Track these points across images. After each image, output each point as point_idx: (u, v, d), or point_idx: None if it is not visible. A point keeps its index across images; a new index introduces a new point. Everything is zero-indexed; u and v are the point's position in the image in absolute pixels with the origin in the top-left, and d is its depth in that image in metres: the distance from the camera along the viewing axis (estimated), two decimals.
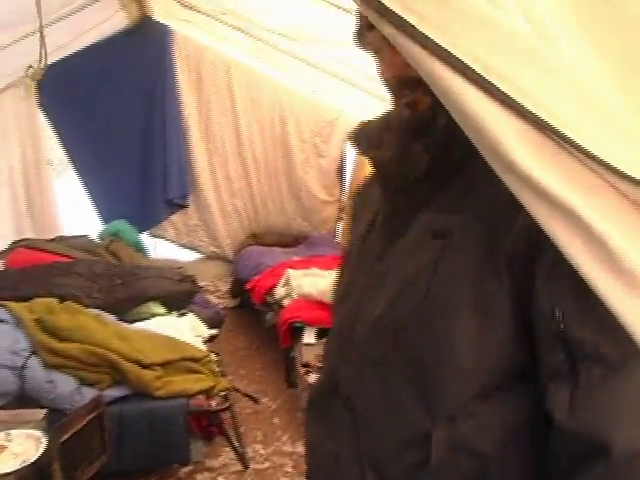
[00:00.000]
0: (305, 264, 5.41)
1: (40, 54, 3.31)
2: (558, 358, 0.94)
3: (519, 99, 0.81)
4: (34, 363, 3.25)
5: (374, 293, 1.17)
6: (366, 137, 1.28)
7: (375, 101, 4.83)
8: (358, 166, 6.42)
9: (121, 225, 5.74)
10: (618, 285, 0.81)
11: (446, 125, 1.06)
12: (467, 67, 0.81)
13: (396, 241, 1.17)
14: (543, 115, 0.80)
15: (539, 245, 0.94)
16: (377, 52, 1.14)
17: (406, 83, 1.11)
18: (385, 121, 1.25)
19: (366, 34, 1.14)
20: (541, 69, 0.82)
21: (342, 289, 1.32)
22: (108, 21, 5.33)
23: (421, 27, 0.82)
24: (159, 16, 5.82)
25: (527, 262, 0.97)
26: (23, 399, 3.17)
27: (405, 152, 1.15)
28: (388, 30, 0.84)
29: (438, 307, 1.06)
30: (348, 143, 6.58)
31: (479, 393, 1.02)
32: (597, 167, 0.80)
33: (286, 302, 4.85)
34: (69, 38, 5.04)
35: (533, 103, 0.81)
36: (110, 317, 3.83)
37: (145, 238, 6.20)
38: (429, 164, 1.12)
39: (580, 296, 0.86)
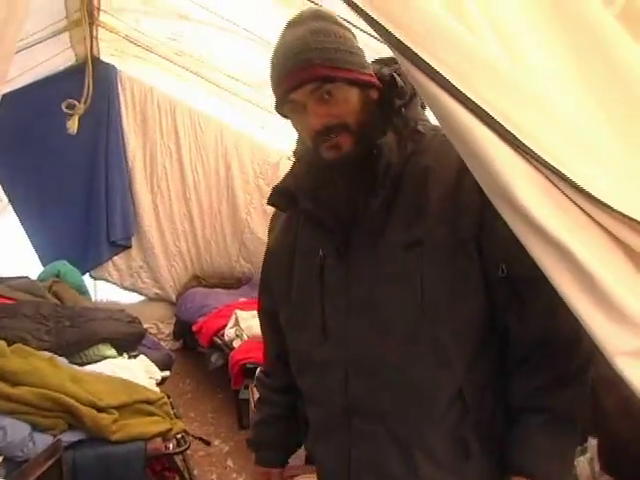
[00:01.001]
0: (253, 305, 5.37)
1: None
2: (505, 293, 1.34)
3: (526, 141, 0.91)
4: None
5: (359, 318, 1.40)
6: (298, 190, 1.47)
7: None
8: None
9: (62, 266, 5.59)
10: (599, 314, 0.94)
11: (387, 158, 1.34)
12: (485, 114, 0.90)
13: (351, 270, 1.41)
14: (543, 154, 0.91)
15: (482, 222, 1.30)
16: (302, 109, 1.34)
17: (331, 128, 1.32)
18: (309, 172, 1.46)
19: (288, 98, 1.34)
20: (540, 112, 0.93)
21: (314, 333, 1.48)
22: (55, 58, 5.26)
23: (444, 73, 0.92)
24: (107, 55, 5.78)
25: (480, 238, 1.32)
26: None
27: (355, 189, 1.38)
28: (414, 73, 0.94)
29: (434, 298, 1.33)
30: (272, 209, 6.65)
31: (479, 347, 1.38)
32: (585, 202, 0.91)
33: (236, 343, 4.82)
34: (14, 74, 4.95)
35: (536, 144, 0.91)
36: (62, 360, 3.72)
37: (86, 279, 6.06)
38: (382, 197, 1.35)
39: (513, 250, 1.09)
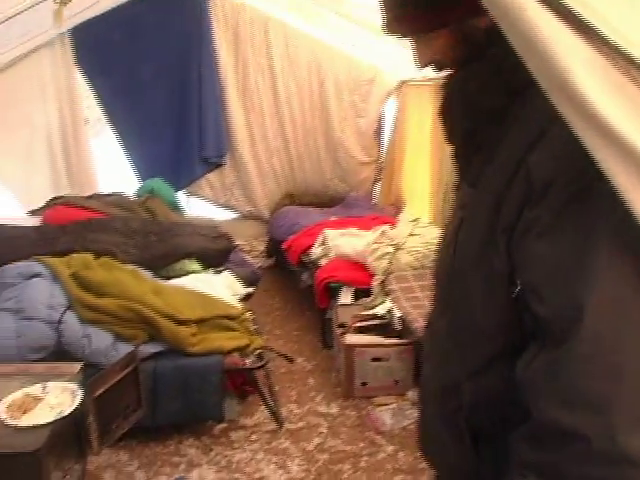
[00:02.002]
0: (342, 224, 5.34)
1: None
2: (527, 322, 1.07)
3: (592, 20, 0.75)
4: (70, 318, 3.25)
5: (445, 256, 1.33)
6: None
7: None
8: (397, 127, 6.31)
9: (157, 183, 5.70)
10: None
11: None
12: None
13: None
14: (613, 36, 0.76)
15: (520, 216, 1.03)
16: None
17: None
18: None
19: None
20: None
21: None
22: None
23: None
24: None
25: (514, 232, 1.06)
26: (60, 354, 3.18)
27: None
28: None
29: (458, 273, 1.24)
30: (386, 102, 6.48)
31: (500, 352, 1.15)
32: None
33: (322, 262, 4.80)
34: None
35: (604, 24, 0.76)
36: (146, 273, 3.81)
37: (181, 196, 6.17)
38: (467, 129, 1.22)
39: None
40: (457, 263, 1.24)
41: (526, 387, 1.03)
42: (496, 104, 1.14)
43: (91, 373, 2.71)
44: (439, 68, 1.22)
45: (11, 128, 5.47)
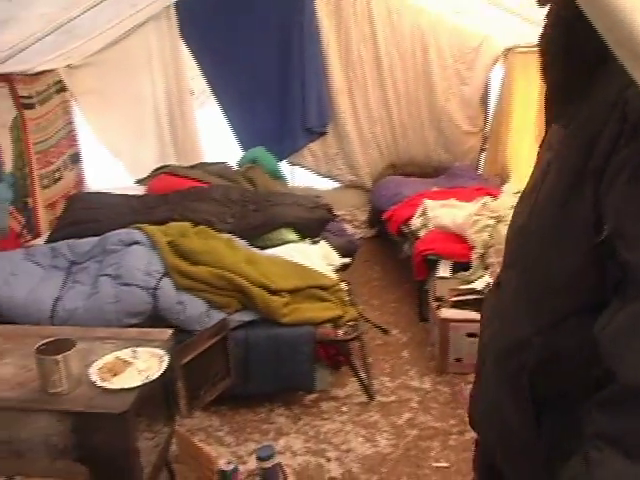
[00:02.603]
0: (444, 195, 5.21)
1: None
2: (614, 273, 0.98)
3: None
4: (166, 284, 3.33)
5: (525, 206, 1.27)
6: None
7: (524, 24, 4.48)
8: (503, 95, 6.09)
9: (260, 152, 5.76)
10: None
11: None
12: None
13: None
14: None
15: (612, 156, 0.98)
16: None
17: None
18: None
19: None
20: None
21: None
22: None
23: None
24: None
25: (604, 174, 1.00)
26: (156, 319, 3.28)
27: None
28: None
29: (538, 220, 1.18)
30: (492, 70, 6.25)
31: (577, 308, 1.08)
32: None
33: (422, 233, 4.71)
34: None
35: None
36: (241, 242, 3.86)
37: (283, 166, 6.20)
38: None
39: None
40: (538, 210, 1.18)
41: (606, 347, 0.96)
42: (601, 43, 1.05)
43: (185, 339, 2.78)
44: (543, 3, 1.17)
45: (121, 101, 5.66)
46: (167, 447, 2.53)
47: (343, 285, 3.81)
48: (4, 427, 2.12)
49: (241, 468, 2.88)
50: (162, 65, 5.83)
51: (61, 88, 5.40)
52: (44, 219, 4.97)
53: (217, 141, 6.72)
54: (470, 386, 3.59)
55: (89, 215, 4.23)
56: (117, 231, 3.69)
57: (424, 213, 4.88)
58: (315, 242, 4.27)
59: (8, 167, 4.42)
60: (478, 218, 4.38)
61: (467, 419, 3.30)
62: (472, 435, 3.24)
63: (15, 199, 4.53)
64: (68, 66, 5.24)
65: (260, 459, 2.76)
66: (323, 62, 6.16)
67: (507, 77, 6.02)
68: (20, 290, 3.33)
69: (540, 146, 1.33)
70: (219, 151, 6.42)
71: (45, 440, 2.10)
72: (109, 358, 2.30)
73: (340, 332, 3.47)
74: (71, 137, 5.65)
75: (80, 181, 5.82)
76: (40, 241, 4.39)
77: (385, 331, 4.33)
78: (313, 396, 3.62)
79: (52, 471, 2.29)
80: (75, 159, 5.72)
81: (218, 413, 3.43)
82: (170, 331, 2.61)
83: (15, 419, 2.11)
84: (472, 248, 4.27)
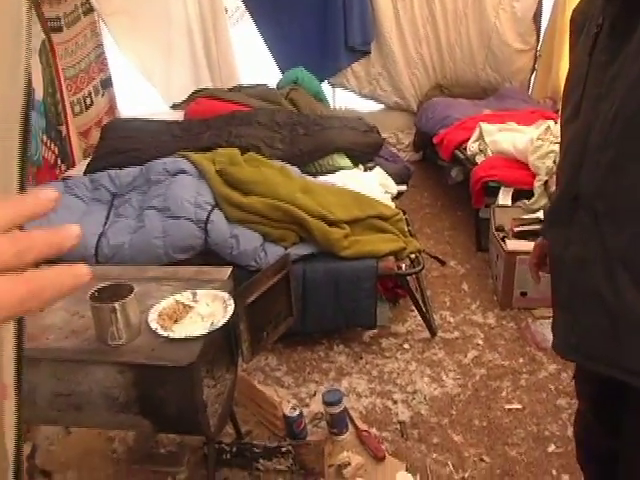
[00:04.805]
0: (498, 118, 4.87)
1: None
2: None
3: None
4: (218, 217, 3.10)
5: (605, 102, 1.27)
6: None
7: None
8: (557, 11, 5.65)
9: (300, 73, 5.42)
10: None
11: None
12: None
13: (623, 48, 1.22)
14: None
15: None
16: None
17: None
18: None
19: None
20: None
21: (571, 109, 1.43)
22: None
23: None
24: None
25: None
26: (207, 254, 3.07)
27: None
28: None
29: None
30: None
31: None
32: None
33: (479, 159, 4.41)
34: None
35: None
36: (294, 169, 3.59)
37: (324, 87, 5.85)
38: None
39: None
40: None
41: None
42: None
43: (239, 275, 2.57)
44: None
45: (151, 22, 5.41)
46: (231, 395, 2.35)
47: (402, 214, 3.55)
48: (61, 378, 1.94)
49: (304, 410, 2.71)
50: None
51: (88, 9, 5.14)
52: (78, 148, 4.76)
53: (253, 62, 6.38)
54: (539, 322, 3.37)
55: (128, 143, 3.98)
56: (161, 160, 3.45)
57: (480, 137, 4.56)
58: (369, 168, 3.99)
59: (39, 94, 4.18)
60: (541, 143, 4.06)
61: (537, 357, 3.09)
62: (544, 374, 3.06)
63: (47, 128, 4.31)
64: None
65: (327, 404, 2.58)
66: None
67: None
68: None
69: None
70: (255, 72, 6.08)
71: (105, 393, 1.92)
72: (168, 302, 2.09)
73: (403, 265, 3.24)
74: (101, 61, 5.41)
75: (112, 107, 5.60)
76: (76, 172, 4.17)
77: (443, 262, 4.09)
78: (372, 332, 3.42)
79: (113, 424, 2.14)
80: (106, 84, 5.49)
81: (275, 351, 3.25)
82: (229, 269, 2.39)
83: (72, 370, 1.93)
84: (535, 175, 3.98)
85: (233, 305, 2.06)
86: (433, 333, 3.40)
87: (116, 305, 1.85)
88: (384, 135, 5.12)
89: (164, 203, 3.13)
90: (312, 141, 3.89)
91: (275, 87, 5.40)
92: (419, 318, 3.44)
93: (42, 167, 4.25)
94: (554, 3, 5.77)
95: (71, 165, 4.57)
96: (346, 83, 6.13)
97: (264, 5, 5.73)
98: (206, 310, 2.07)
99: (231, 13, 6.11)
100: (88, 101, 5.08)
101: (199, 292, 2.14)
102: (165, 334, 1.92)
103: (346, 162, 3.93)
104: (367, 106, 6.35)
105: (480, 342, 3.37)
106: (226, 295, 2.11)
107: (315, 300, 3.12)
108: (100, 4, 5.04)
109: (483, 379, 3.09)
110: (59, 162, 4.48)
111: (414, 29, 6.03)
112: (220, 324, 1.97)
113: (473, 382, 3.07)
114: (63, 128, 4.55)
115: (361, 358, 3.24)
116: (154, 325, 1.95)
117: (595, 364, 1.43)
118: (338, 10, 5.73)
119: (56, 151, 4.44)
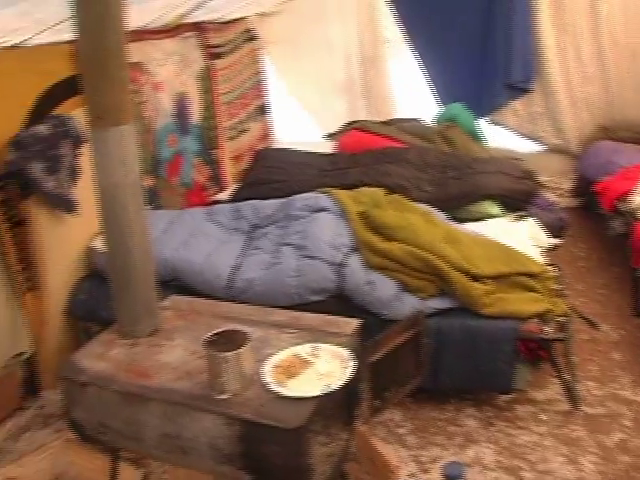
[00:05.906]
0: None
1: None
2: None
3: None
4: (354, 261, 3.01)
5: None
6: None
7: None
8: None
9: (458, 109, 5.26)
10: None
11: None
12: None
13: None
14: None
15: None
16: None
17: None
18: None
19: None
20: None
21: None
22: None
23: None
24: None
25: None
26: (339, 298, 2.97)
27: None
28: None
29: None
30: None
31: None
32: None
33: None
34: None
35: None
36: (440, 215, 3.43)
37: (482, 125, 5.64)
38: None
39: None
40: None
41: None
42: None
43: (371, 323, 2.45)
44: None
45: (312, 51, 5.52)
46: (344, 457, 2.21)
47: (552, 272, 3.29)
48: (170, 420, 1.90)
49: (422, 478, 2.54)
50: (355, 12, 5.56)
51: (250, 37, 5.26)
52: (229, 172, 4.87)
53: (411, 95, 6.29)
54: None
55: (274, 174, 4.02)
56: (304, 195, 3.41)
57: None
58: (521, 217, 3.76)
59: (195, 118, 4.30)
60: None
61: None
62: None
63: (201, 151, 4.44)
64: (259, 14, 5.04)
65: (447, 477, 2.40)
66: (531, 10, 5.47)
67: None
68: (198, 254, 3.17)
69: None
70: (413, 106, 5.98)
71: (210, 442, 1.85)
72: (286, 355, 1.99)
73: (548, 329, 2.99)
74: (259, 88, 5.53)
75: (267, 133, 5.70)
76: (224, 195, 4.24)
77: (594, 325, 3.77)
78: (508, 397, 3.17)
79: (217, 473, 2.06)
80: (262, 110, 5.60)
81: (401, 406, 3.08)
82: (357, 322, 2.27)
83: (181, 414, 1.88)
84: None
85: (352, 366, 1.93)
86: (575, 406, 3.10)
87: (229, 355, 1.79)
88: (542, 179, 4.85)
89: (302, 241, 3.08)
90: (462, 185, 3.72)
91: (431, 123, 5.27)
92: (561, 387, 3.16)
93: (193, 189, 4.37)
94: None
95: (222, 188, 4.67)
96: (505, 121, 5.88)
97: (426, 37, 5.64)
98: (324, 368, 1.95)
99: (390, 43, 6.07)
100: (243, 127, 5.19)
101: (321, 347, 2.03)
102: (277, 390, 1.83)
103: (496, 210, 3.72)
104: (526, 146, 6.06)
105: (628, 423, 3.02)
106: (347, 353, 1.99)
107: (449, 357, 2.94)
108: (263, 32, 5.15)
109: (627, 468, 2.73)
110: (210, 185, 4.59)
111: (580, 66, 5.67)
112: (335, 387, 1.85)
113: (615, 470, 2.73)
114: (216, 152, 4.66)
115: (492, 425, 3.00)
116: (268, 379, 1.87)
117: None
118: (500, 45, 5.51)
119: (207, 174, 4.55)
